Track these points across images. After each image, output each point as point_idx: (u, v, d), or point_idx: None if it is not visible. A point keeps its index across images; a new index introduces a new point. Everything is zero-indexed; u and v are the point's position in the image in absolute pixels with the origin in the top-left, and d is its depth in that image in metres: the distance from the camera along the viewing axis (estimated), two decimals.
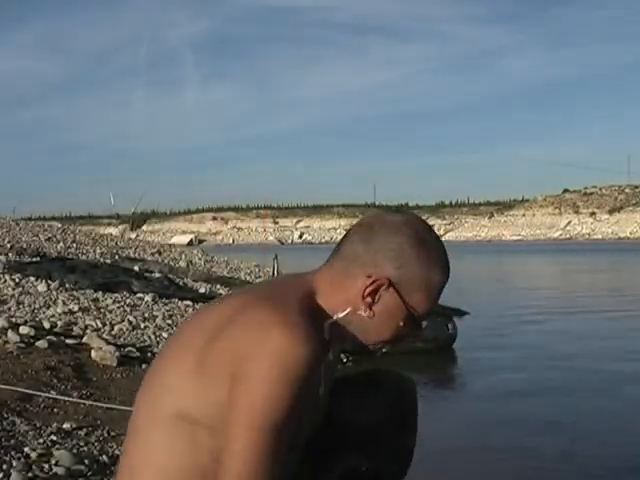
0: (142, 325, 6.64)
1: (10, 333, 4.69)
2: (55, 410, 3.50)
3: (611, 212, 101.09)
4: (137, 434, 1.50)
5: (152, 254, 17.24)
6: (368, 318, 1.49)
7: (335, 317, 1.50)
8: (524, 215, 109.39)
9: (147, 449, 1.46)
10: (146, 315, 7.31)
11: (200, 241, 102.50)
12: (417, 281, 1.47)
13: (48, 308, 6.95)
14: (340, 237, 1.59)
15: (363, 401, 1.69)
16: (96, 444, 3.11)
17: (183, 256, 18.44)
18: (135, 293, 9.00)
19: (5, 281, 8.58)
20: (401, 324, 1.50)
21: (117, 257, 14.43)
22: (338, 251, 1.53)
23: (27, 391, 3.63)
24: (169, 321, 7.11)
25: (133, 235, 71.81)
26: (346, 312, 1.49)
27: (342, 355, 5.30)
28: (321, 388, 1.55)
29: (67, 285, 8.85)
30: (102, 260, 13.27)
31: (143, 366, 4.62)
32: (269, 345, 1.35)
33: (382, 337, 1.52)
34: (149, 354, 5.22)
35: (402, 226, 1.50)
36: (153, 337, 6.08)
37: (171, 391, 1.44)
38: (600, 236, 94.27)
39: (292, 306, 1.43)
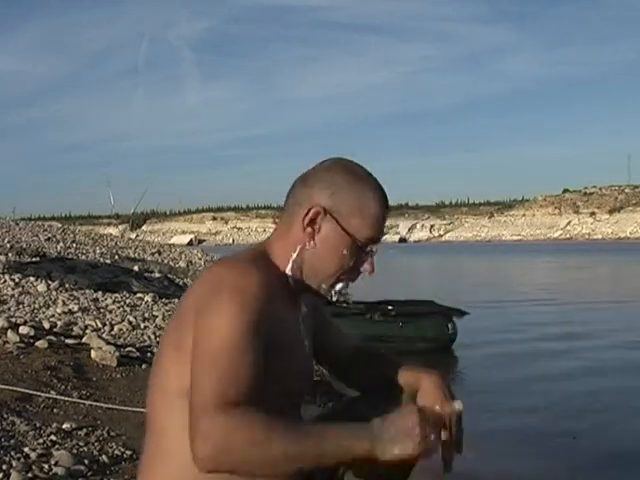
0: (142, 325, 6.63)
1: (10, 333, 4.68)
2: (55, 410, 3.49)
3: (611, 212, 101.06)
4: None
5: (152, 254, 17.24)
6: (314, 251, 1.53)
7: (290, 261, 1.54)
8: (524, 215, 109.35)
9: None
10: (146, 315, 7.31)
11: (200, 241, 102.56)
12: (351, 207, 1.52)
13: (48, 308, 6.95)
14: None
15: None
16: (96, 444, 3.10)
17: (183, 256, 18.46)
18: (135, 293, 9.00)
19: (5, 281, 8.58)
20: (345, 252, 1.53)
21: (117, 257, 14.43)
22: (284, 207, 1.60)
23: (27, 391, 3.62)
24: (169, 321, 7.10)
25: (133, 235, 71.85)
26: (297, 252, 1.54)
27: None
28: (306, 340, 1.60)
29: (67, 285, 8.85)
30: (102, 260, 13.26)
31: (143, 366, 4.61)
32: (223, 282, 1.41)
33: (330, 269, 1.55)
34: (149, 354, 5.21)
35: (332, 164, 1.58)
36: (153, 337, 6.07)
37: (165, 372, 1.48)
38: (600, 236, 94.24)
39: (242, 258, 1.52)
